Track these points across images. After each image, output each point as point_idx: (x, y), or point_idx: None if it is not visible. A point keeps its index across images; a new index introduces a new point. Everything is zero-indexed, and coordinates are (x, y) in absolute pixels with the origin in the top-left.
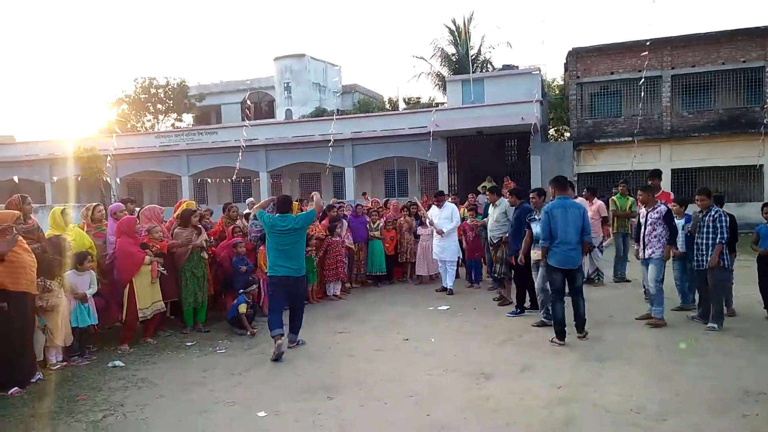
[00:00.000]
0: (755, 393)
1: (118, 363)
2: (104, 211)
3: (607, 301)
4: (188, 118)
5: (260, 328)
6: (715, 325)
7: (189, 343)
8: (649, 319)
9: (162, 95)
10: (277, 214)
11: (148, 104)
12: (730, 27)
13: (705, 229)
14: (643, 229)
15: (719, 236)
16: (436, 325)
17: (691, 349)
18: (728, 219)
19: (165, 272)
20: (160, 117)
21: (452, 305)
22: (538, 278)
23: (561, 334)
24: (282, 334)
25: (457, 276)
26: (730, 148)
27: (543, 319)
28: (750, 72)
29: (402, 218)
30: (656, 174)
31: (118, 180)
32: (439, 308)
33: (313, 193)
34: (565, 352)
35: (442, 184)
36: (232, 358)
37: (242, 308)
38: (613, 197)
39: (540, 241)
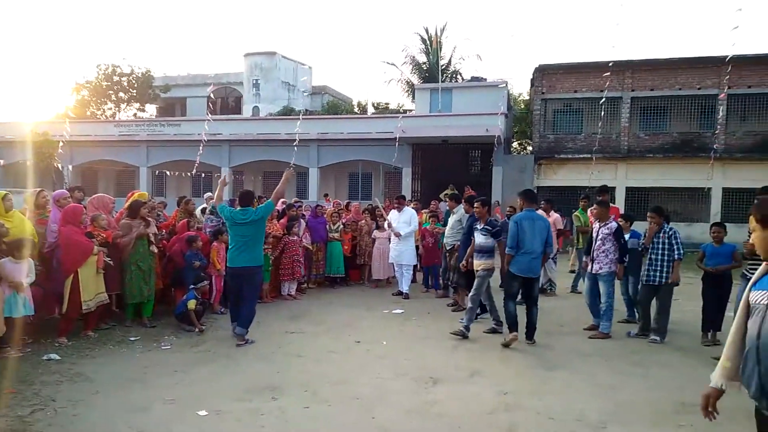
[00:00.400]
0: (691, 405)
1: (53, 356)
2: (48, 197)
3: (558, 311)
4: (151, 109)
5: (209, 325)
6: (658, 338)
7: (133, 338)
8: (594, 332)
9: (125, 84)
10: (239, 208)
11: (110, 92)
12: (688, 54)
13: (660, 246)
14: (594, 244)
15: (676, 253)
16: (389, 328)
17: (634, 361)
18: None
19: (111, 263)
20: (122, 106)
21: (407, 309)
22: (476, 286)
23: (514, 326)
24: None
25: (414, 281)
26: (681, 170)
27: (493, 326)
28: (704, 99)
29: (363, 221)
30: (605, 190)
31: (70, 167)
32: (393, 312)
33: (288, 168)
34: (514, 359)
35: (406, 190)
36: (176, 355)
37: (191, 304)
38: (576, 213)
39: (507, 249)
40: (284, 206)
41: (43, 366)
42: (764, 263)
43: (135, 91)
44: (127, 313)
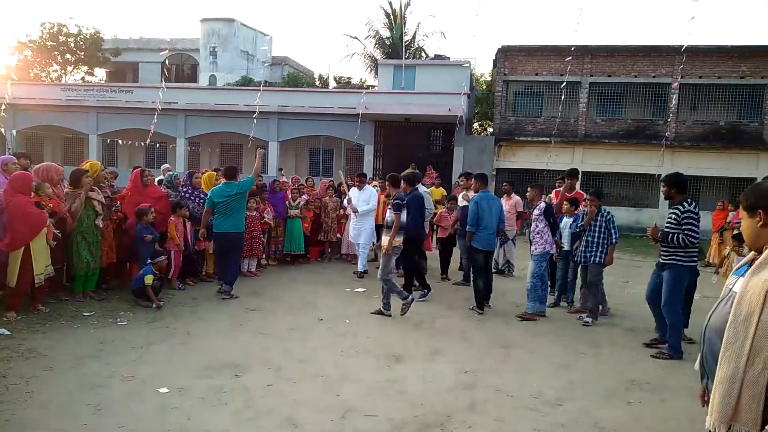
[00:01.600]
0: (640, 382)
1: (2, 331)
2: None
3: (515, 292)
4: (101, 73)
5: (167, 300)
6: (590, 320)
7: (86, 313)
8: (523, 312)
9: (72, 45)
10: (223, 182)
11: (56, 53)
12: (645, 42)
13: (597, 229)
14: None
15: (614, 237)
16: (351, 306)
17: (587, 341)
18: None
19: (59, 234)
20: (69, 69)
21: (369, 288)
22: (386, 265)
23: (481, 305)
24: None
25: (376, 259)
26: (634, 156)
27: (381, 308)
28: (658, 87)
29: (327, 197)
30: (573, 174)
31: (14, 132)
32: (356, 290)
33: (258, 149)
34: (473, 338)
35: (368, 167)
36: (133, 331)
37: (148, 279)
38: (551, 195)
39: (468, 227)
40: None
41: None
42: (750, 252)
43: (83, 53)
44: (76, 287)
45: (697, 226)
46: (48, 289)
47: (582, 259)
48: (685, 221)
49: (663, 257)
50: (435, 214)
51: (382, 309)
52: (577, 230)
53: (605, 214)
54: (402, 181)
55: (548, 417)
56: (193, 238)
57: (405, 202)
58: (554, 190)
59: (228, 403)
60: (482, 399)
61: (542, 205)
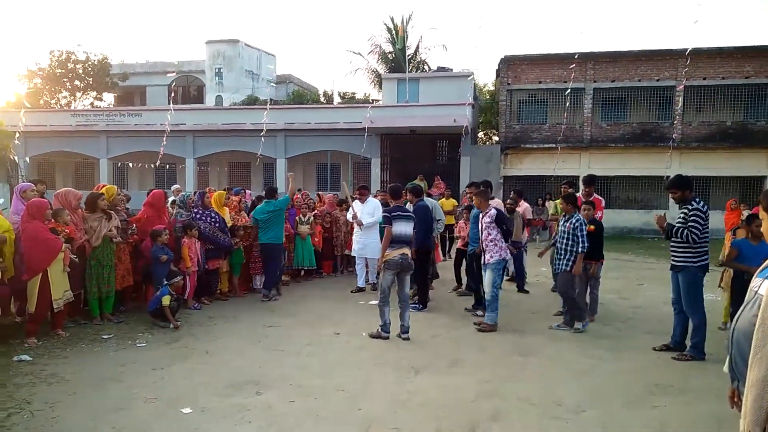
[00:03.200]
0: (664, 386)
1: (24, 357)
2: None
3: (529, 300)
4: (109, 98)
5: (184, 320)
6: (580, 326)
7: (105, 336)
8: (481, 323)
9: (80, 71)
10: (264, 202)
11: (65, 80)
12: (648, 47)
13: (565, 235)
14: (480, 235)
15: (580, 246)
16: (366, 319)
17: (605, 345)
18: (585, 227)
19: (77, 260)
20: (78, 94)
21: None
22: (380, 284)
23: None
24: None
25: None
26: (641, 159)
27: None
28: (662, 90)
29: (338, 211)
30: (591, 181)
31: (27, 159)
32: (370, 302)
33: (288, 174)
34: (491, 347)
35: (375, 180)
36: (152, 352)
37: (165, 300)
38: (555, 201)
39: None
40: (253, 198)
41: (15, 368)
42: None
43: (91, 78)
44: (92, 310)
45: (702, 224)
46: (67, 314)
47: (555, 268)
48: (692, 218)
49: (673, 258)
50: (444, 224)
51: (380, 332)
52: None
53: (574, 220)
54: (408, 193)
55: (572, 424)
56: (204, 257)
57: (393, 214)
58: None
59: (252, 421)
60: (505, 408)
61: (493, 212)
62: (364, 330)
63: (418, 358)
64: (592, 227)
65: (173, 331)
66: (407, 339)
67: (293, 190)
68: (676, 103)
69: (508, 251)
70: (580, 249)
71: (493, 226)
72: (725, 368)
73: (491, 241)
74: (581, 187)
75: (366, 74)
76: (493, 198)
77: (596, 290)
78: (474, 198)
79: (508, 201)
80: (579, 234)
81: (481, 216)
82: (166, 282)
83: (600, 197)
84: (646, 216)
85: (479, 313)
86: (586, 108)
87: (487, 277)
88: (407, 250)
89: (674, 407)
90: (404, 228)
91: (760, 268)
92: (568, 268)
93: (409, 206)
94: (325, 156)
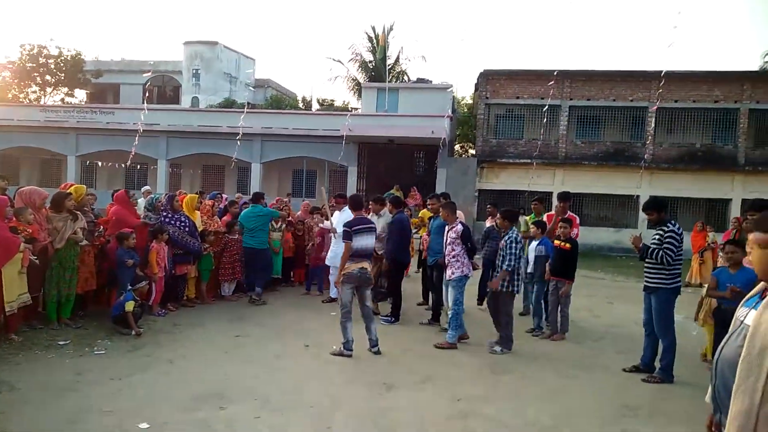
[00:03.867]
0: (634, 408)
1: None
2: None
3: None
4: (81, 95)
5: (147, 327)
6: (499, 349)
7: (62, 342)
8: (442, 345)
9: (52, 66)
10: (251, 206)
11: (35, 74)
12: (623, 67)
13: (502, 253)
14: (444, 249)
15: (506, 263)
16: (337, 332)
17: (578, 365)
18: (521, 246)
19: (37, 261)
20: (48, 90)
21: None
22: (340, 299)
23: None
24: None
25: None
26: (613, 178)
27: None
28: (635, 110)
29: (311, 220)
30: (565, 197)
31: None
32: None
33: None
34: (463, 364)
35: (351, 189)
36: (111, 361)
37: (129, 306)
38: (526, 217)
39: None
40: (226, 203)
41: None
42: (761, 282)
43: (63, 74)
44: (50, 314)
45: (677, 247)
46: (23, 318)
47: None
48: (666, 240)
49: (647, 279)
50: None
51: (342, 350)
52: (540, 254)
53: (508, 238)
54: (388, 203)
55: None
56: (172, 262)
57: (354, 228)
58: (546, 214)
59: None
60: (477, 428)
61: (459, 227)
62: (335, 343)
63: (389, 373)
64: (568, 245)
65: (135, 339)
66: (378, 353)
67: (325, 210)
68: (648, 123)
69: (471, 267)
70: (505, 266)
71: (458, 242)
72: (707, 398)
73: (454, 257)
74: (555, 203)
75: (346, 82)
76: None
77: (567, 308)
78: (441, 210)
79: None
80: (509, 251)
81: (447, 230)
82: (130, 287)
83: (574, 215)
84: (616, 234)
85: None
86: (562, 125)
87: (450, 294)
88: (367, 264)
89: (645, 430)
90: (366, 241)
91: (746, 297)
92: (507, 289)
93: (388, 216)
94: (301, 162)
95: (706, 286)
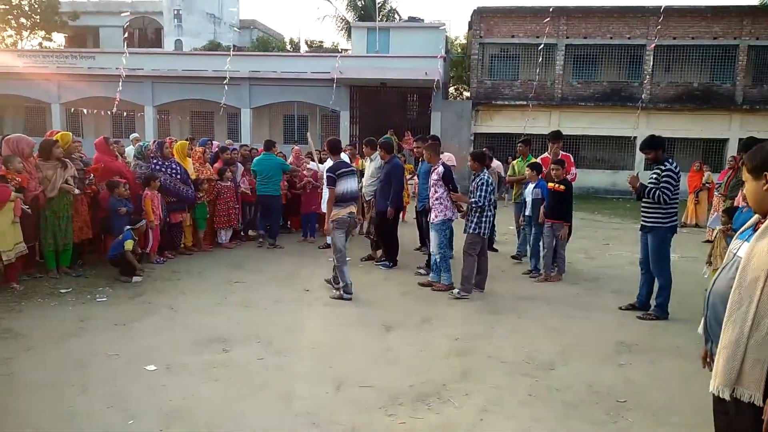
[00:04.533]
0: (629, 344)
1: None
2: None
3: (497, 257)
4: (59, 39)
5: (146, 276)
6: (456, 291)
7: (63, 290)
8: (436, 284)
9: (27, 8)
10: (263, 153)
11: (9, 17)
12: (621, 3)
13: (470, 193)
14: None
15: (474, 198)
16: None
17: (576, 304)
18: (491, 189)
19: (29, 211)
20: (24, 33)
21: (352, 257)
22: (333, 244)
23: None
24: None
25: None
26: (610, 119)
27: (341, 293)
28: (633, 48)
29: (302, 167)
30: (557, 136)
31: None
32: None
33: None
34: (461, 305)
35: (344, 134)
36: (114, 308)
37: (128, 245)
38: (513, 161)
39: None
40: (217, 149)
41: None
42: (755, 215)
43: (38, 17)
44: (48, 262)
45: (674, 185)
46: (22, 267)
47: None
48: (664, 179)
49: (644, 218)
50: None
51: (341, 293)
52: (537, 197)
53: (478, 179)
54: (380, 149)
55: (542, 381)
56: (166, 210)
57: (338, 173)
58: (541, 157)
59: (219, 379)
60: (476, 366)
61: (441, 169)
62: (333, 288)
63: (388, 315)
64: (561, 187)
65: (135, 286)
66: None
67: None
68: (646, 62)
69: (455, 211)
70: (472, 199)
71: (440, 183)
72: (699, 329)
73: (437, 199)
74: (549, 144)
75: (335, 22)
76: (443, 152)
77: (563, 250)
78: (424, 152)
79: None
80: (478, 191)
81: (430, 171)
82: (128, 227)
83: (568, 154)
84: (613, 176)
85: (422, 272)
86: (558, 65)
87: (432, 238)
88: (354, 208)
89: (640, 365)
90: (349, 185)
91: (740, 230)
92: (471, 230)
93: (379, 161)
94: (291, 107)
95: (717, 228)
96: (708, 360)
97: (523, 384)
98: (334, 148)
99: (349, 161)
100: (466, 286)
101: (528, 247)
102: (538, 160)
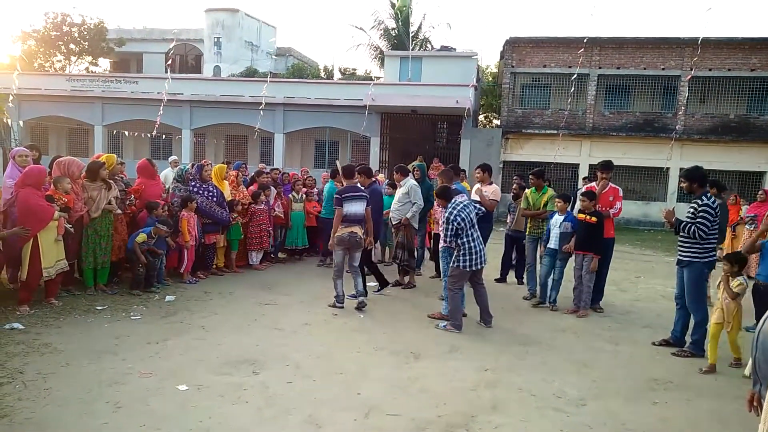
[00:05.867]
0: (663, 381)
1: (16, 325)
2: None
3: (522, 289)
4: (105, 64)
5: (179, 295)
6: (442, 324)
7: (99, 307)
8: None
9: (76, 35)
10: (330, 181)
11: (60, 43)
12: (654, 34)
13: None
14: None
15: (443, 235)
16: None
17: (605, 337)
18: (457, 223)
19: (72, 230)
20: (73, 58)
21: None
22: (334, 261)
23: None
24: None
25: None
26: (642, 150)
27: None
28: (667, 79)
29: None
30: (607, 166)
31: (21, 122)
32: (368, 285)
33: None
34: (490, 335)
35: (374, 160)
36: (147, 326)
37: (140, 237)
38: (526, 191)
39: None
40: (254, 173)
41: (6, 336)
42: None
43: (87, 43)
44: (87, 280)
45: (711, 221)
46: (61, 283)
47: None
48: (700, 214)
49: (680, 253)
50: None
51: (335, 303)
52: (569, 231)
53: (446, 215)
54: (358, 174)
55: (573, 417)
56: (201, 232)
57: (344, 196)
58: (587, 186)
59: (248, 401)
60: (505, 398)
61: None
62: (361, 312)
63: (416, 343)
64: (593, 219)
65: (168, 305)
66: (363, 303)
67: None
68: (681, 93)
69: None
70: (442, 237)
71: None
72: (746, 371)
73: (442, 224)
74: (598, 174)
75: (368, 50)
76: (491, 183)
77: (591, 284)
78: (438, 178)
79: (514, 186)
80: (444, 229)
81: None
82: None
83: (617, 186)
84: (644, 207)
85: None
86: (590, 95)
87: (441, 264)
88: (357, 229)
89: (675, 404)
90: (356, 208)
91: None
92: (452, 264)
93: (407, 188)
94: (323, 132)
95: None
96: (755, 404)
97: (554, 419)
98: (349, 174)
99: (361, 187)
100: (454, 322)
101: (550, 280)
102: (583, 188)
